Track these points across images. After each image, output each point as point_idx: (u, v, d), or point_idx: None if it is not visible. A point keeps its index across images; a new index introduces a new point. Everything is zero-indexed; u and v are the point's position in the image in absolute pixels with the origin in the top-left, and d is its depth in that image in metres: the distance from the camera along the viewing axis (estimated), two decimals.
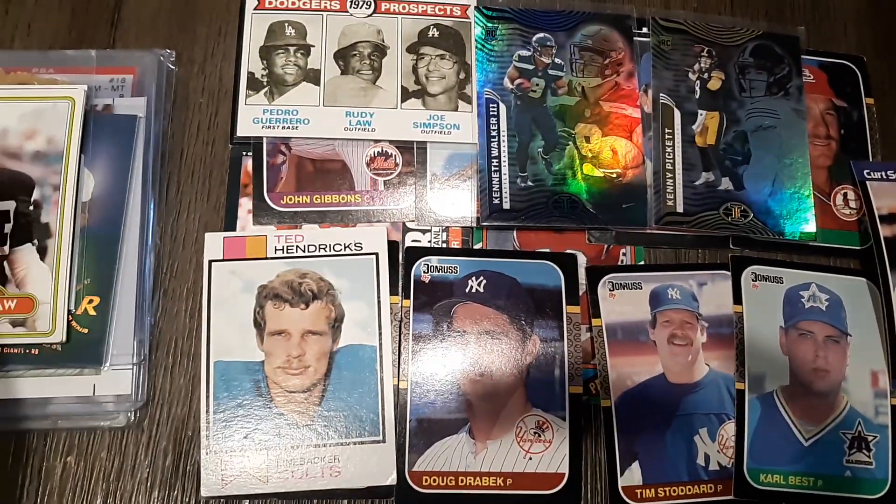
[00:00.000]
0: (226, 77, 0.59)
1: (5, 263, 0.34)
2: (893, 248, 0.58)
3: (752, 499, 0.54)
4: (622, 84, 0.61)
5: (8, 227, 0.34)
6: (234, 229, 0.56)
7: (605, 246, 0.59)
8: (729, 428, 0.55)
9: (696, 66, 0.62)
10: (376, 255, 0.54)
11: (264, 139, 0.57)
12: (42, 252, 0.35)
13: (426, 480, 0.52)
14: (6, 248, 0.34)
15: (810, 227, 0.60)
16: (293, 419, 0.52)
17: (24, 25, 0.59)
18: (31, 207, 0.35)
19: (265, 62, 0.59)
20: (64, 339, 0.36)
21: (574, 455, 0.53)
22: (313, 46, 0.59)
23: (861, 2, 0.68)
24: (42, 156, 0.36)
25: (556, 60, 0.61)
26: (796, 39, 0.64)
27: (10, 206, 0.34)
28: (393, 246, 0.56)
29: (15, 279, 0.34)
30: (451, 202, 0.58)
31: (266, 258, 0.54)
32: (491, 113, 0.59)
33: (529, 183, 0.58)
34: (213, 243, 0.54)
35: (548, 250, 0.58)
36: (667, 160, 0.59)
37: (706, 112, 0.61)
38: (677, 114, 0.61)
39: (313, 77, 0.59)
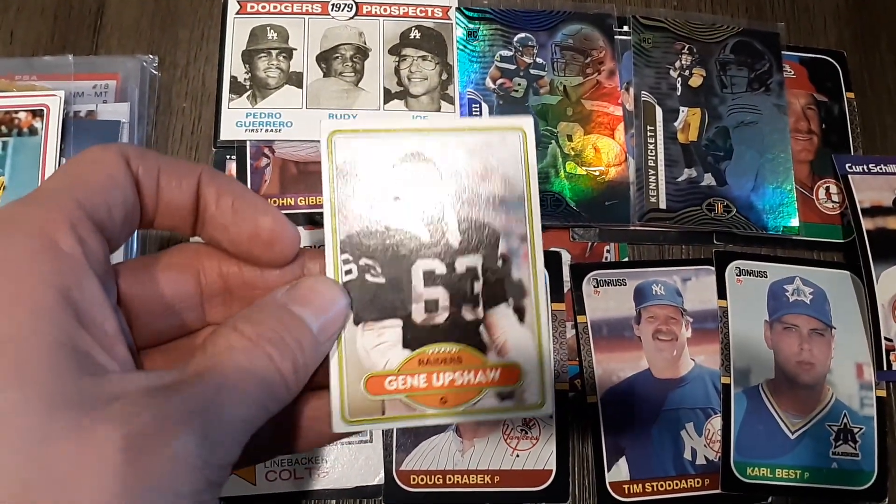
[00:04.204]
0: (209, 81, 0.60)
1: (482, 328, 0.29)
2: (876, 241, 0.59)
3: (739, 492, 0.54)
4: (604, 82, 0.61)
5: (478, 286, 0.30)
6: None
7: (589, 243, 0.59)
8: (715, 422, 0.55)
9: (677, 64, 0.62)
10: None
11: (248, 142, 0.57)
12: (519, 313, 0.30)
13: (414, 479, 0.52)
14: (481, 311, 0.29)
15: (793, 221, 0.60)
16: None
17: (6, 33, 0.59)
18: (501, 263, 0.30)
19: (248, 66, 0.59)
20: (553, 410, 0.30)
21: (561, 451, 0.54)
22: (295, 49, 0.60)
23: None
24: (501, 201, 0.30)
25: (538, 60, 0.61)
26: (776, 35, 0.64)
27: (477, 261, 0.30)
28: None
29: (495, 345, 0.30)
30: None
31: None
32: (474, 113, 0.59)
33: None
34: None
35: None
36: (649, 157, 0.60)
37: (688, 109, 0.61)
38: (659, 111, 0.61)
39: (296, 80, 0.59)
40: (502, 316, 0.29)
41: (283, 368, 0.24)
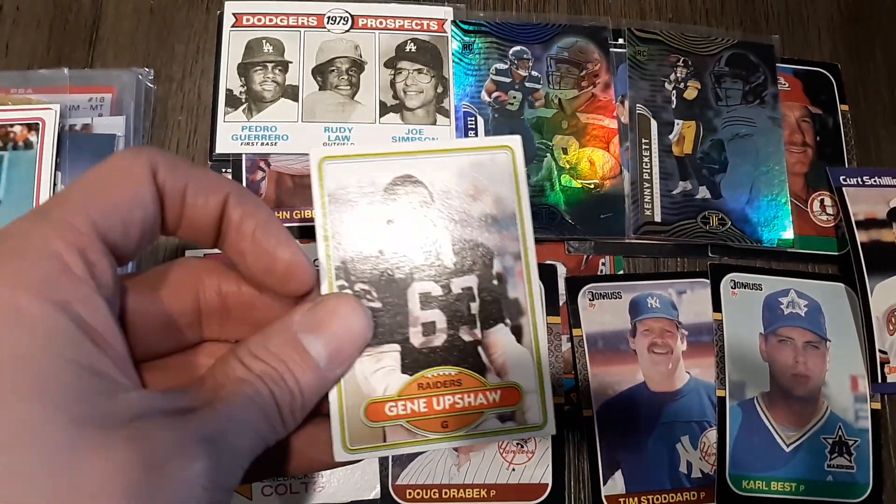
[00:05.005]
0: (204, 94, 0.60)
1: (480, 349, 0.29)
2: (870, 253, 0.59)
3: None
4: (599, 95, 0.62)
5: (475, 307, 0.29)
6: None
7: (585, 256, 0.59)
8: (711, 435, 0.55)
9: (672, 76, 0.63)
10: None
11: (243, 156, 0.57)
12: (517, 333, 0.30)
13: (410, 493, 0.52)
14: (478, 331, 0.29)
15: (788, 233, 0.60)
16: None
17: (1, 46, 0.59)
18: (496, 282, 0.30)
19: (243, 79, 0.59)
20: (555, 430, 0.30)
21: (557, 465, 0.54)
22: (291, 63, 0.60)
23: (834, 9, 0.68)
24: (493, 220, 0.30)
25: (533, 73, 0.61)
26: (771, 48, 0.65)
27: (473, 281, 0.30)
28: None
29: (494, 366, 0.29)
30: None
31: None
32: (469, 126, 0.59)
33: None
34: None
35: None
36: (644, 170, 0.60)
37: (683, 122, 0.62)
38: (654, 124, 0.61)
39: (291, 93, 0.59)
40: (500, 336, 0.29)
41: (281, 407, 0.25)
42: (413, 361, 0.29)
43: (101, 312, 0.22)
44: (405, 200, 0.29)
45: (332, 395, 0.28)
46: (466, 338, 0.29)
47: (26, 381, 0.19)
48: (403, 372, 0.28)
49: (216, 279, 0.28)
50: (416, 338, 0.29)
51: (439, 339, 0.29)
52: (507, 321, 0.29)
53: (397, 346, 0.29)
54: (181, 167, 0.25)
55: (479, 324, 0.29)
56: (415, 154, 0.30)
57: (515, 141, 0.30)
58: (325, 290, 0.28)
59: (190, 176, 0.25)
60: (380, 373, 0.28)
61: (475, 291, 0.29)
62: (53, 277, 0.21)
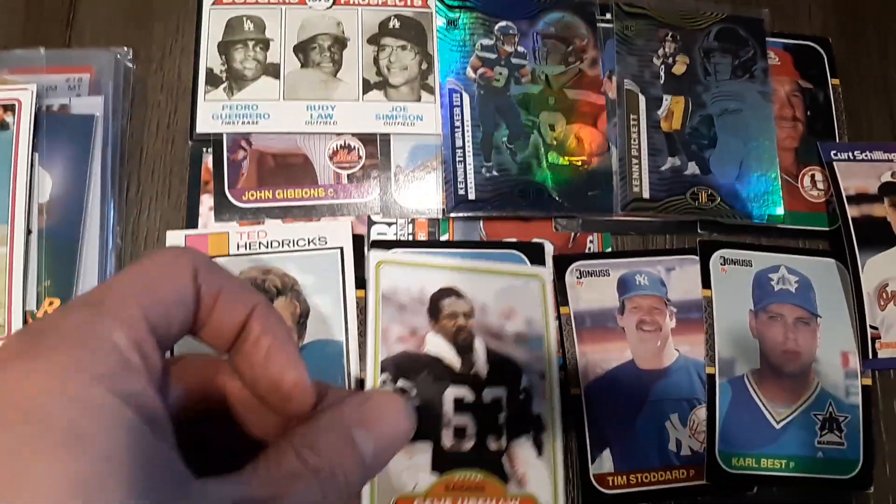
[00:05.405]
0: (184, 74, 0.59)
1: (504, 459, 0.32)
2: (861, 229, 0.58)
3: (724, 483, 0.54)
4: (586, 71, 0.61)
5: (502, 417, 0.32)
6: (195, 227, 0.55)
7: (572, 234, 0.58)
8: (700, 413, 0.55)
9: (661, 51, 0.62)
10: (341, 249, 0.54)
11: (224, 135, 0.56)
12: (538, 447, 0.33)
13: None
14: (504, 441, 0.32)
15: (778, 209, 0.60)
16: None
17: None
18: (522, 396, 0.33)
19: (224, 57, 0.58)
20: None
21: None
22: (272, 40, 0.59)
23: None
24: (523, 339, 0.34)
25: (519, 49, 0.60)
26: (760, 22, 0.64)
27: (502, 393, 0.33)
28: (358, 240, 0.55)
29: (516, 476, 0.32)
30: (416, 194, 0.57)
31: (229, 255, 0.53)
32: (454, 103, 0.58)
33: (495, 173, 0.57)
34: (175, 241, 0.53)
35: (515, 240, 0.57)
36: (632, 146, 0.59)
37: (671, 97, 0.61)
38: (642, 99, 0.60)
39: (273, 71, 0.58)
40: (523, 448, 0.33)
41: (329, 502, 0.25)
42: (443, 462, 0.31)
43: (158, 405, 0.22)
44: (449, 310, 0.32)
45: (365, 488, 0.28)
46: (493, 446, 0.32)
47: (120, 478, 0.19)
48: (433, 471, 0.30)
49: (223, 377, 0.29)
50: (448, 440, 0.31)
51: (468, 444, 0.32)
52: (531, 434, 0.33)
53: (430, 446, 0.31)
54: (219, 272, 0.26)
55: (504, 434, 0.32)
56: (461, 270, 0.35)
57: (547, 273, 0.37)
58: (369, 384, 0.29)
59: (225, 282, 0.26)
60: (411, 469, 0.30)
61: (504, 403, 0.33)
62: (118, 371, 0.21)
